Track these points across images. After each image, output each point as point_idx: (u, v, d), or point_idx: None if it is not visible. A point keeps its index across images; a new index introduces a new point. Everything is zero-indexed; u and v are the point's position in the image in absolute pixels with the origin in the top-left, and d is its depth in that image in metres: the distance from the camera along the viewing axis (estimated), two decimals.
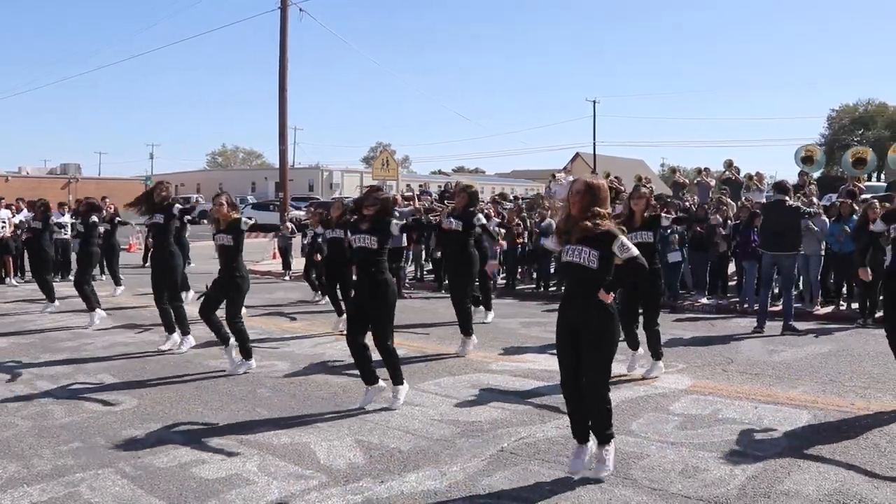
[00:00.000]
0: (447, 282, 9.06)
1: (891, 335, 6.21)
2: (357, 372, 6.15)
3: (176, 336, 8.56)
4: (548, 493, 4.28)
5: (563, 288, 4.78)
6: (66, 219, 16.34)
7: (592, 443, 4.53)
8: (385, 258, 6.16)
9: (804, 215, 9.84)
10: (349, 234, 6.40)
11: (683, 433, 5.33)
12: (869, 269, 6.79)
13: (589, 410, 4.47)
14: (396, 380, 6.13)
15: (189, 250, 14.69)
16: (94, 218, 10.72)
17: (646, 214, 7.06)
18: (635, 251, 4.41)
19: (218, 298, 7.38)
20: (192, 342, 8.53)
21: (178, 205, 8.70)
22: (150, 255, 9.06)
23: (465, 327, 8.24)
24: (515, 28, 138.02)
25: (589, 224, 4.36)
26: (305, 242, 13.56)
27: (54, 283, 12.44)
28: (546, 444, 5.10)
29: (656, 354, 7.05)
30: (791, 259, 9.51)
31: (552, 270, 13.91)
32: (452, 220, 8.44)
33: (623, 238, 4.40)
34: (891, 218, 6.63)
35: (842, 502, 4.09)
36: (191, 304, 10.79)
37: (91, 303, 10.28)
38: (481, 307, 10.10)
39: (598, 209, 4.41)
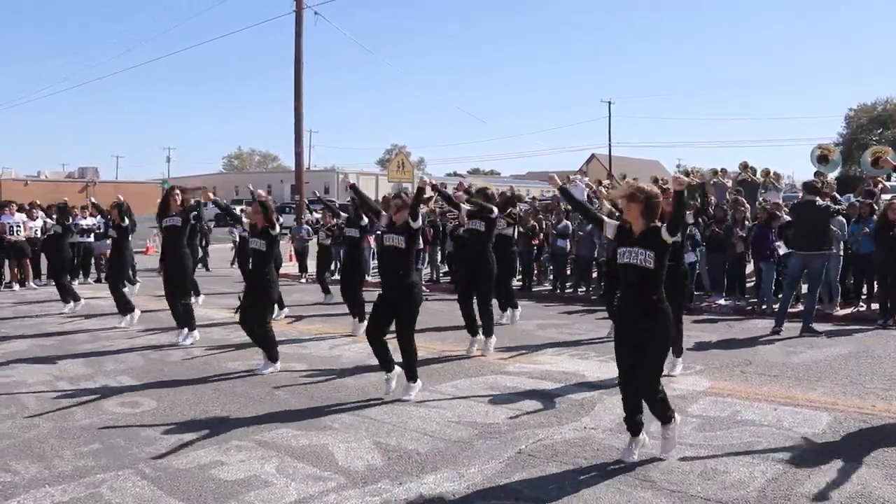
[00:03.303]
0: (460, 286, 9.00)
1: None
2: (374, 373, 6.17)
3: (185, 330, 9.06)
4: (567, 495, 4.27)
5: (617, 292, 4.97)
6: (89, 221, 16.43)
7: (644, 435, 4.80)
8: (413, 260, 6.42)
9: (833, 214, 9.81)
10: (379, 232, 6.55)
11: (702, 435, 5.30)
12: None
13: (646, 405, 4.75)
14: (411, 376, 6.38)
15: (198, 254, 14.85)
16: (127, 222, 10.81)
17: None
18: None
19: (252, 307, 7.47)
20: (196, 337, 9.04)
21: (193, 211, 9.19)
22: (163, 255, 9.49)
23: (488, 329, 8.33)
24: (530, 28, 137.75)
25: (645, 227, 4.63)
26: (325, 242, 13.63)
27: (74, 286, 12.62)
28: (564, 446, 5.09)
29: (677, 352, 7.00)
30: (821, 259, 9.45)
31: (568, 272, 13.89)
32: (476, 221, 8.44)
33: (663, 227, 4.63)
34: None
35: None
36: (201, 306, 11.68)
37: (128, 306, 10.41)
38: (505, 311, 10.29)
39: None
